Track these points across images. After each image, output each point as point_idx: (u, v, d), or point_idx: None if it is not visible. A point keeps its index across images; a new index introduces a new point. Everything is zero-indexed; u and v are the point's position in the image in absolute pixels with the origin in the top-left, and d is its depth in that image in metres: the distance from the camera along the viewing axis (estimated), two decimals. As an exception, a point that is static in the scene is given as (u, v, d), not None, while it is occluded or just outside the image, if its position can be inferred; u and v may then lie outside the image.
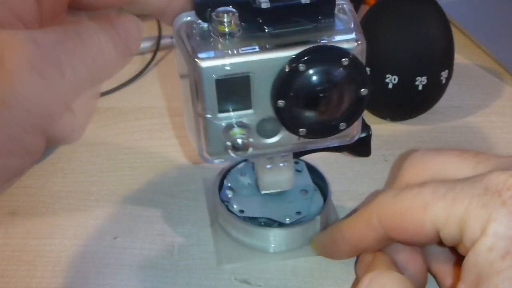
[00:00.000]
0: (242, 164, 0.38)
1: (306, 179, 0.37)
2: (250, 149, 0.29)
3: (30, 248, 0.36)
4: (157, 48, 0.55)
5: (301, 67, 0.27)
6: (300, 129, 0.29)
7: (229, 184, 0.37)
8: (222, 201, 0.36)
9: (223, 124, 0.29)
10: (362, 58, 0.28)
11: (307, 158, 0.37)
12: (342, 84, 0.28)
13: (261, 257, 0.35)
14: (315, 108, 0.28)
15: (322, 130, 0.29)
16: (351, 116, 0.29)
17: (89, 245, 0.36)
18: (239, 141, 0.29)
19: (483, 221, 0.24)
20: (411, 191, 0.27)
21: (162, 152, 0.44)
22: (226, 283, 0.33)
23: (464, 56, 0.54)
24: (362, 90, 0.28)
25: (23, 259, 0.35)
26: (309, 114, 0.28)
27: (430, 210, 0.26)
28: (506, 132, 0.45)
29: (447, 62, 0.43)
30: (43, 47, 0.23)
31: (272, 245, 0.35)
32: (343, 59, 0.27)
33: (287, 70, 0.27)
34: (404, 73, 0.42)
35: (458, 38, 0.48)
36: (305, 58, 0.27)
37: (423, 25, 0.41)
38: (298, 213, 0.35)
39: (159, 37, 0.56)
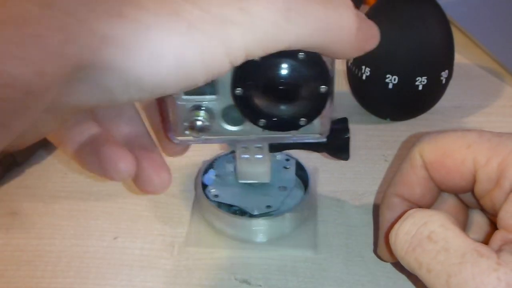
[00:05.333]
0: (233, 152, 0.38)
1: (290, 176, 0.37)
2: (203, 135, 0.29)
3: (30, 248, 0.36)
4: (157, 48, 0.55)
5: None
6: (260, 120, 0.29)
7: (214, 169, 0.37)
8: (203, 183, 0.37)
9: (189, 105, 0.29)
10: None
11: (305, 158, 0.37)
12: (297, 78, 0.27)
13: (228, 245, 0.35)
14: (270, 99, 0.28)
15: (282, 123, 0.29)
16: (311, 112, 0.29)
17: (89, 245, 0.36)
18: (198, 123, 0.29)
19: None
20: (455, 133, 0.28)
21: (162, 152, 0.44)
22: (226, 283, 0.33)
23: (464, 56, 0.54)
24: (321, 87, 0.28)
25: (23, 259, 0.35)
26: (266, 104, 0.28)
27: (474, 148, 0.27)
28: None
29: (447, 62, 0.43)
30: None
31: (239, 234, 0.35)
32: (300, 53, 0.26)
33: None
34: (404, 73, 0.42)
35: (458, 38, 0.48)
36: None
37: (423, 25, 0.41)
38: (269, 206, 0.35)
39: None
